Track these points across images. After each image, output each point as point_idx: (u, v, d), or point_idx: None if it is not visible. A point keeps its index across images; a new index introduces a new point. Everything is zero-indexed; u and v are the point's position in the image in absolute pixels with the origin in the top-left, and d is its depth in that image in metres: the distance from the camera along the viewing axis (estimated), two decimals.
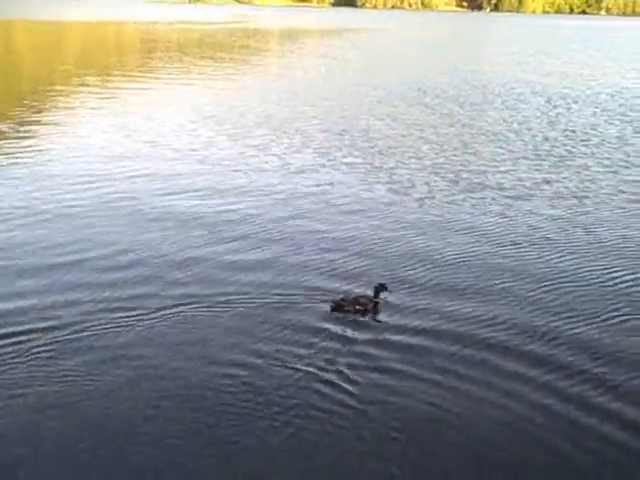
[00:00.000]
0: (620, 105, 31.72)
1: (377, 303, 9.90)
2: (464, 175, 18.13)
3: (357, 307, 9.66)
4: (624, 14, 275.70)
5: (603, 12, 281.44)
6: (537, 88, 36.92)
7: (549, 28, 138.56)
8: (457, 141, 22.65)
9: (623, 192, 16.98)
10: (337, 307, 9.69)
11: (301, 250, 12.34)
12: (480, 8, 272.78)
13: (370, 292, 10.11)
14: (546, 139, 23.30)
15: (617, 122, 27.02)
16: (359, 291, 10.35)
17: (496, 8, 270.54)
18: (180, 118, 25.25)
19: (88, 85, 34.24)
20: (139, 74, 39.05)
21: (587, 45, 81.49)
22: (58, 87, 33.08)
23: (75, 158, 18.95)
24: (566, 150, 21.65)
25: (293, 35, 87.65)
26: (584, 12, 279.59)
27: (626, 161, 20.43)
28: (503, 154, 20.85)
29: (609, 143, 22.93)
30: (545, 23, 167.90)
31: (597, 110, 29.97)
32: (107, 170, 17.68)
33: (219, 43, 66.41)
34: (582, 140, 23.28)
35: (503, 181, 17.61)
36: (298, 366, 8.44)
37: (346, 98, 31.45)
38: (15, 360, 8.39)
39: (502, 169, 18.96)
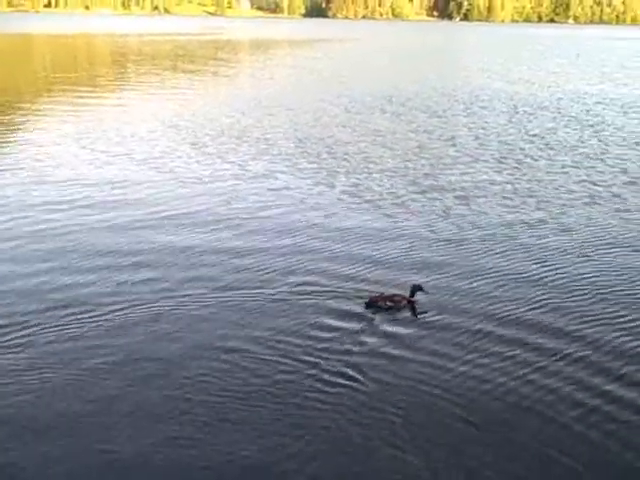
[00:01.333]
0: (581, 110, 32.14)
1: (413, 302, 10.22)
2: (420, 179, 18.31)
3: (389, 304, 10.05)
4: (591, 22, 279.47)
5: (571, 20, 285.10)
6: (502, 95, 37.31)
7: (518, 37, 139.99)
8: (417, 146, 22.85)
9: (573, 191, 17.30)
10: (372, 302, 10.10)
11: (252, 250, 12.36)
12: (450, 17, 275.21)
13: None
14: (506, 143, 23.56)
15: (577, 126, 27.36)
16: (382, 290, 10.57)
17: (466, 17, 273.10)
18: (143, 128, 25.21)
19: (54, 97, 34.03)
20: (107, 86, 38.98)
21: (554, 53, 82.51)
22: (25, 100, 32.84)
23: (27, 164, 18.95)
24: (524, 154, 21.91)
25: (264, 46, 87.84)
26: (552, 20, 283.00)
27: (579, 162, 20.76)
28: (461, 157, 21.07)
29: (565, 146, 23.22)
30: (514, 32, 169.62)
31: (558, 115, 30.36)
32: (58, 177, 17.75)
33: (189, 55, 66.43)
34: (541, 144, 23.58)
35: (458, 183, 17.84)
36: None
37: (312, 107, 31.56)
38: None
39: (458, 172, 19.18)
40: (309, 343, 9.09)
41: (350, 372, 8.36)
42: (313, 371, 8.39)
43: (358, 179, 18.17)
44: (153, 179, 17.85)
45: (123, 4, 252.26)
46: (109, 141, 22.77)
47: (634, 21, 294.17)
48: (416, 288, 10.29)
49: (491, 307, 10.27)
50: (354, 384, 8.13)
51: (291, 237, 13.40)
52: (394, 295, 10.21)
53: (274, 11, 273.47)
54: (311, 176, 18.42)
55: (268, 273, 11.48)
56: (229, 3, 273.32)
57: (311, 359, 8.67)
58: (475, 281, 11.22)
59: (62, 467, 6.71)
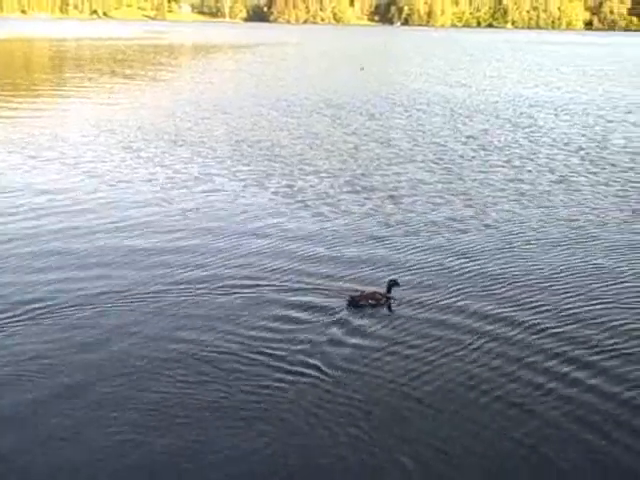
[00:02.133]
0: (515, 113, 32.79)
1: (389, 298, 10.37)
2: (353, 179, 18.47)
3: (371, 301, 10.22)
4: (528, 27, 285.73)
5: (509, 25, 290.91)
6: (440, 98, 37.82)
7: (457, 41, 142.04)
8: (354, 148, 23.01)
9: (502, 189, 17.73)
10: (354, 302, 10.23)
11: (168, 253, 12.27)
12: (391, 22, 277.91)
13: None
14: (441, 144, 23.91)
15: (510, 128, 27.92)
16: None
17: (406, 22, 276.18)
18: (76, 133, 24.82)
19: None
20: (43, 92, 38.19)
21: (491, 57, 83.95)
22: None
23: None
24: (457, 154, 22.32)
25: (204, 50, 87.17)
26: (491, 25, 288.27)
27: (509, 162, 21.23)
28: (395, 158, 21.33)
29: (497, 147, 23.69)
30: (453, 36, 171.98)
31: (493, 118, 30.92)
32: None
33: (128, 59, 65.56)
34: (475, 145, 24.02)
35: (391, 183, 18.14)
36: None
37: (251, 110, 31.47)
38: None
39: (392, 172, 19.47)
40: (268, 336, 9.38)
41: (316, 365, 8.60)
42: (273, 363, 8.65)
43: (292, 180, 18.24)
44: (83, 183, 17.58)
45: (61, 8, 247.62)
46: (40, 146, 22.32)
47: (569, 26, 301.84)
48: (392, 283, 10.46)
49: (426, 297, 10.69)
50: (321, 376, 8.36)
51: (221, 238, 13.39)
52: (374, 293, 10.40)
53: (215, 15, 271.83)
54: (245, 178, 18.43)
55: (198, 272, 11.49)
56: (169, 7, 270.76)
57: (270, 352, 8.91)
58: (405, 274, 11.47)
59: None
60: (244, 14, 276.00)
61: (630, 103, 37.57)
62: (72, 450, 7.00)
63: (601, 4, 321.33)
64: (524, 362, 8.77)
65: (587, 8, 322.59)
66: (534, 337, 9.43)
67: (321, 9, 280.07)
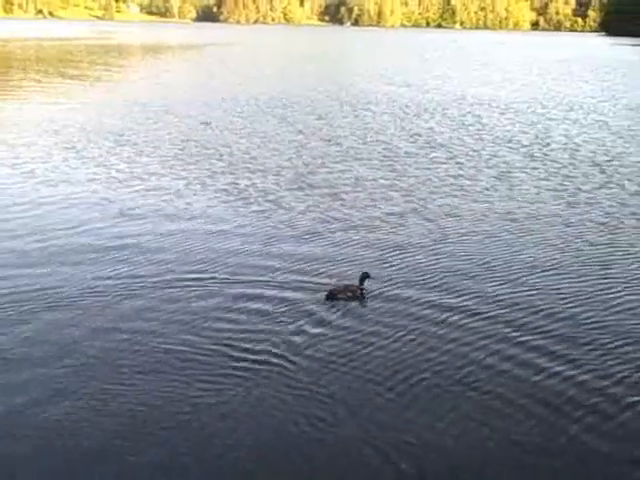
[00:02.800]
0: (461, 112, 33.14)
1: (363, 290, 10.59)
2: (297, 177, 18.54)
3: (349, 294, 10.45)
4: (477, 27, 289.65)
5: (458, 26, 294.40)
6: (387, 98, 38.11)
7: (406, 41, 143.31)
8: (301, 147, 23.07)
9: (443, 185, 17.98)
10: (332, 295, 10.45)
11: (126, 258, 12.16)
12: (341, 22, 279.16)
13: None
14: (386, 142, 24.12)
15: (456, 127, 28.27)
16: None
17: (356, 22, 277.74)
18: (15, 134, 24.33)
19: None
20: None
21: (439, 57, 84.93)
22: None
23: None
24: (402, 152, 22.51)
25: (153, 51, 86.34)
26: (440, 26, 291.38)
27: (453, 159, 21.53)
28: (341, 157, 21.44)
29: (442, 145, 24.01)
30: (403, 36, 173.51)
31: (439, 116, 31.22)
32: None
33: (75, 60, 64.49)
34: (421, 143, 24.29)
35: (334, 180, 18.27)
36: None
37: (198, 110, 31.28)
38: None
39: (337, 170, 19.59)
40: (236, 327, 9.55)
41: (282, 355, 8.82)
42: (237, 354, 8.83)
43: (236, 179, 18.24)
44: (21, 184, 17.27)
45: (4, 7, 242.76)
46: None
47: (516, 26, 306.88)
48: (365, 276, 10.69)
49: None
50: (288, 366, 8.58)
51: (162, 236, 13.32)
52: (349, 285, 10.66)
53: (164, 15, 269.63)
54: (188, 177, 18.38)
55: (142, 269, 11.42)
56: (118, 7, 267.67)
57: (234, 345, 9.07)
58: (345, 268, 11.73)
59: None
60: (193, 14, 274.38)
61: (572, 101, 38.36)
62: None
63: (547, 5, 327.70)
64: (463, 345, 9.21)
65: (533, 9, 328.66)
66: (463, 321, 9.89)
67: (271, 9, 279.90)
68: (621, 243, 13.55)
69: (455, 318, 9.91)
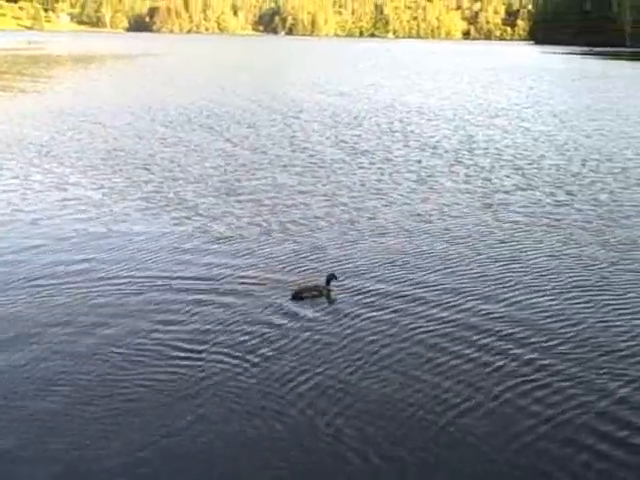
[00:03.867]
0: (391, 119, 33.49)
1: (329, 290, 11.01)
2: (219, 185, 18.53)
3: (314, 293, 10.84)
4: (409, 36, 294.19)
5: (391, 35, 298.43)
6: (319, 107, 38.31)
7: (340, 50, 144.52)
8: (228, 155, 23.02)
9: (363, 189, 18.24)
10: (298, 294, 10.82)
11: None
12: (275, 32, 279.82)
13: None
14: (313, 150, 24.24)
15: (384, 134, 28.61)
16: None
17: (290, 32, 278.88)
18: None
19: None
20: None
21: (372, 65, 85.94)
22: None
23: None
24: (329, 159, 22.66)
25: (83, 61, 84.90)
26: (373, 35, 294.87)
27: (376, 165, 21.85)
28: (265, 165, 21.51)
29: (368, 151, 24.27)
30: (337, 45, 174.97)
31: (369, 124, 31.48)
32: None
33: (1, 71, 62.94)
34: (348, 150, 24.47)
35: (254, 187, 18.38)
36: None
37: (125, 120, 30.88)
38: None
39: (259, 177, 19.75)
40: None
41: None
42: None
43: (159, 187, 18.13)
44: None
45: None
46: None
47: (448, 35, 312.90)
48: (331, 277, 11.08)
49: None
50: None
51: (77, 247, 13.14)
52: (315, 286, 11.01)
53: (96, 25, 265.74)
54: (110, 186, 18.18)
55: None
56: (47, 17, 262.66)
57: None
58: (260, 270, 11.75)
59: None
60: (125, 24, 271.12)
61: (497, 108, 39.24)
62: None
63: (477, 14, 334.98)
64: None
65: (464, 18, 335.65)
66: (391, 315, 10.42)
67: (205, 19, 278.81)
68: (531, 240, 14.21)
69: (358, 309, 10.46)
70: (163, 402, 7.93)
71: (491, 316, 10.30)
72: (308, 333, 9.70)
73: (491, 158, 23.43)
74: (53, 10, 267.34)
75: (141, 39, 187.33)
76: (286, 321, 10.06)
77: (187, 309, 10.33)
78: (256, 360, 8.87)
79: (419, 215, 15.95)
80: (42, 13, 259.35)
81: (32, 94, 42.89)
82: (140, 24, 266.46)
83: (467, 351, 9.20)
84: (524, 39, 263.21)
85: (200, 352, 9.02)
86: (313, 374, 8.58)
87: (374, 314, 10.34)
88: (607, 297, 11.17)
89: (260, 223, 14.98)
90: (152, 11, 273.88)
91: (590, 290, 11.47)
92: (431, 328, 9.86)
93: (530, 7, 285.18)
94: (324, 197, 17.50)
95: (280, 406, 7.89)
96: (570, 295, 11.21)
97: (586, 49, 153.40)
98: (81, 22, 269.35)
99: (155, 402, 7.92)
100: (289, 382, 8.38)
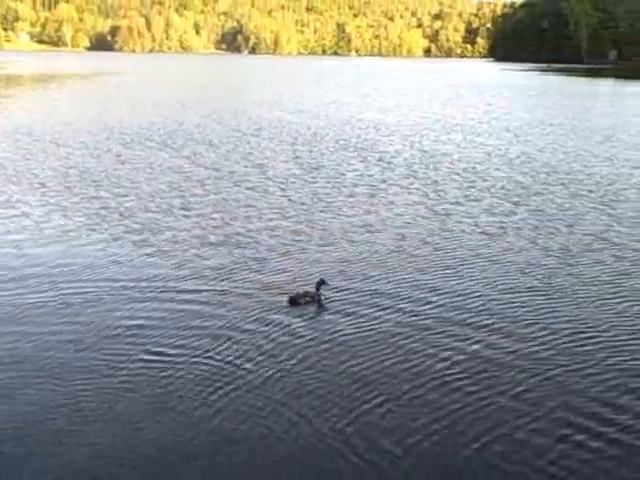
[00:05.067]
0: (348, 135, 33.76)
1: (320, 295, 11.48)
2: (166, 200, 18.52)
3: (307, 299, 11.34)
4: (371, 54, 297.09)
5: (353, 53, 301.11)
6: (277, 124, 38.41)
7: (303, 67, 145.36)
8: (180, 173, 22.97)
9: (305, 203, 18.40)
10: (294, 300, 11.32)
11: None
12: (239, 50, 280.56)
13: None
14: (267, 166, 24.33)
15: (339, 149, 28.85)
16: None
17: (254, 50, 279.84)
18: None
19: None
20: None
21: (335, 83, 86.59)
22: None
23: None
24: (284, 175, 22.77)
25: (43, 80, 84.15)
26: (336, 53, 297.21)
27: (325, 179, 22.07)
28: (219, 181, 21.60)
29: (321, 166, 24.52)
30: (300, 63, 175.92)
31: (326, 140, 31.69)
32: None
33: None
34: (303, 165, 24.64)
35: (205, 202, 18.39)
36: None
37: (80, 140, 30.68)
38: None
39: (207, 192, 19.85)
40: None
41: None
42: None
43: (107, 204, 18.07)
44: None
45: None
46: None
47: (409, 53, 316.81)
48: (321, 282, 11.53)
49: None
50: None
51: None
52: (307, 292, 11.52)
53: (56, 44, 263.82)
54: (52, 203, 18.13)
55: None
56: (7, 37, 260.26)
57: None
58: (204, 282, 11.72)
59: None
60: (87, 43, 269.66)
61: (453, 123, 39.80)
62: None
63: (438, 32, 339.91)
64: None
65: (425, 36, 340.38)
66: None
67: (167, 38, 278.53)
68: (468, 247, 14.74)
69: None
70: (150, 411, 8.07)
71: (432, 320, 10.75)
72: (300, 339, 10.05)
73: (443, 171, 23.80)
74: (12, 29, 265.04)
75: (102, 58, 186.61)
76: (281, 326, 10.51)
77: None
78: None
79: (369, 225, 16.36)
80: (1, 32, 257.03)
81: None
82: (102, 43, 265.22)
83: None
84: (484, 56, 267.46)
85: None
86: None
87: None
88: (550, 299, 11.72)
89: (206, 236, 15.19)
90: (114, 30, 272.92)
91: (530, 293, 12.04)
92: (361, 336, 10.14)
93: (489, 25, 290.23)
94: (274, 210, 17.69)
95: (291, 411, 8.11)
96: (509, 297, 11.79)
97: (544, 66, 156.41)
98: (41, 41, 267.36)
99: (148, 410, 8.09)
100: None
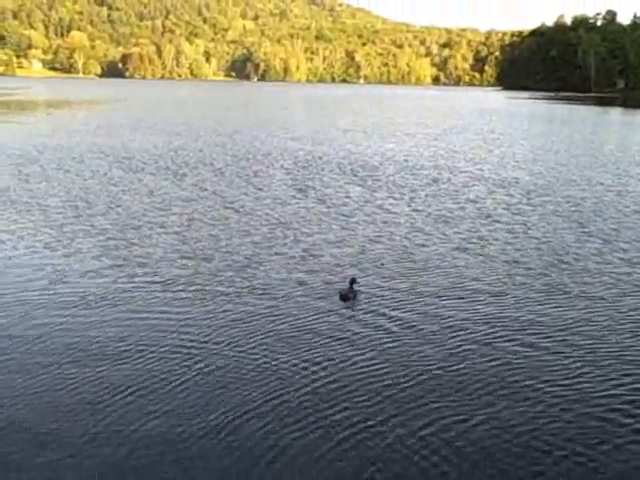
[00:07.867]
0: (351, 162, 33.81)
1: (355, 292, 12.53)
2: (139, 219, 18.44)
3: (350, 294, 12.41)
4: (380, 82, 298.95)
5: (362, 81, 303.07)
6: (287, 151, 38.49)
7: (311, 95, 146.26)
8: (180, 198, 22.99)
9: (285, 223, 18.22)
10: (344, 296, 12.40)
11: None
12: (248, 78, 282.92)
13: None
14: (268, 192, 24.32)
15: (344, 176, 28.85)
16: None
17: (263, 77, 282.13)
18: None
19: None
20: None
21: (345, 111, 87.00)
22: None
23: None
24: (279, 200, 22.76)
25: (54, 106, 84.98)
26: (345, 80, 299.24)
27: (318, 198, 22.10)
28: (216, 207, 21.54)
29: (314, 189, 24.64)
30: (309, 91, 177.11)
31: (330, 167, 31.71)
32: None
33: None
34: (294, 189, 24.77)
35: (172, 222, 18.26)
36: None
37: (82, 166, 30.82)
38: None
39: (206, 216, 19.72)
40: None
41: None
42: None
43: (105, 228, 18.00)
44: None
45: None
46: None
47: (418, 81, 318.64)
48: (353, 280, 12.54)
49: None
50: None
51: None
52: (349, 288, 12.50)
53: (68, 71, 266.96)
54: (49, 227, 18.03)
55: None
56: (19, 63, 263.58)
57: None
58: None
59: None
60: (98, 70, 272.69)
61: (452, 150, 39.80)
62: None
63: (446, 61, 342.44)
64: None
65: (434, 64, 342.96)
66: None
67: (177, 65, 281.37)
68: (461, 266, 14.78)
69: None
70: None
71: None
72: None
73: (439, 194, 24.18)
74: (25, 56, 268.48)
75: (113, 85, 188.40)
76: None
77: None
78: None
79: (334, 243, 16.97)
80: (14, 59, 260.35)
81: None
82: (113, 70, 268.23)
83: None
84: (492, 84, 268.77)
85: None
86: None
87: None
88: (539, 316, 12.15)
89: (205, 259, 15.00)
90: (125, 57, 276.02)
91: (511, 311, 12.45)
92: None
93: (497, 54, 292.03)
94: (251, 231, 18.07)
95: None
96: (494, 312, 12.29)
97: (552, 94, 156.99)
98: (53, 68, 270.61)
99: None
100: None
